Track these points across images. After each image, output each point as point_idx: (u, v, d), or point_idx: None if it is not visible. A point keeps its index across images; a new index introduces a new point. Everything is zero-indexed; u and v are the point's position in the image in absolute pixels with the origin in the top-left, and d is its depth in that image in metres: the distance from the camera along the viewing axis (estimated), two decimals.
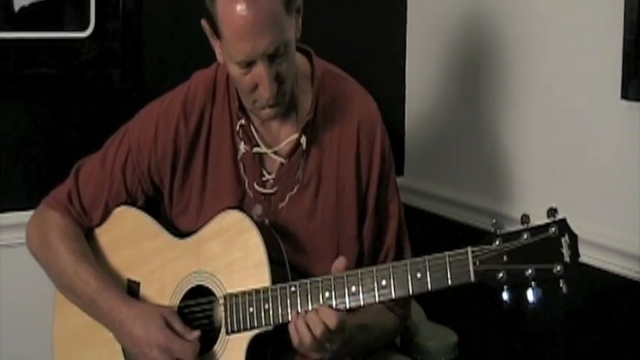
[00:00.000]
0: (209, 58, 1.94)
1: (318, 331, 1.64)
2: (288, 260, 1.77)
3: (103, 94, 2.51)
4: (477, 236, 2.55)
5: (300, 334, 1.66)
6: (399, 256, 1.92)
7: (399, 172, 2.30)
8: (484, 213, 2.58)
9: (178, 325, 1.80)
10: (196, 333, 1.78)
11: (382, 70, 2.88)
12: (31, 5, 2.37)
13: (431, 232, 2.70)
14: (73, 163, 2.00)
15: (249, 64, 1.71)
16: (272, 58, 1.71)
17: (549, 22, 2.38)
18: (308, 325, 1.65)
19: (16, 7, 2.36)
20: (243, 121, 1.86)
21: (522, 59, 2.47)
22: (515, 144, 2.51)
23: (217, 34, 1.73)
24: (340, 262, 1.69)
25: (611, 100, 2.17)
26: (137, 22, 2.49)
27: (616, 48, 2.14)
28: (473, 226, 2.62)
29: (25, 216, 2.04)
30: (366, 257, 1.90)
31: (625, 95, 2.13)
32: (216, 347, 1.78)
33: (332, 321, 1.64)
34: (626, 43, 2.12)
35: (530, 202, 2.45)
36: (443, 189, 2.78)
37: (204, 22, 1.77)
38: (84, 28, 2.43)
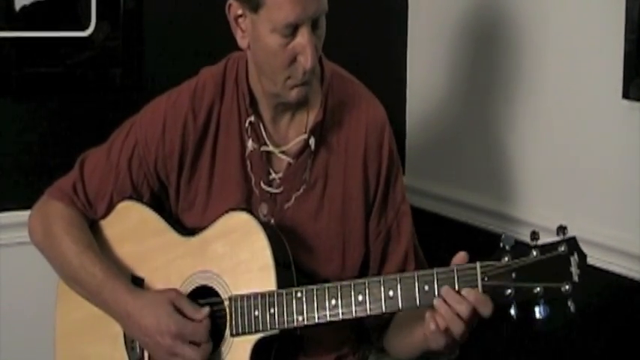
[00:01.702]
0: (210, 57, 1.95)
1: (463, 309, 1.57)
2: (294, 260, 1.77)
3: (104, 94, 2.51)
4: (478, 236, 2.57)
5: (442, 314, 1.59)
6: (417, 257, 1.92)
7: None
8: (486, 213, 2.58)
9: (187, 306, 1.79)
10: (205, 311, 1.77)
11: (383, 68, 2.88)
12: (32, 4, 2.37)
13: (432, 232, 2.69)
14: (74, 162, 1.99)
15: (293, 31, 1.70)
16: (315, 25, 1.72)
17: (550, 22, 2.38)
18: (448, 304, 1.59)
19: (17, 6, 2.35)
20: (252, 118, 1.85)
21: (523, 59, 2.47)
22: (517, 144, 2.51)
23: (256, 5, 1.70)
24: (461, 257, 1.63)
25: (612, 99, 2.16)
26: (138, 21, 2.49)
27: (617, 48, 2.14)
28: (474, 226, 2.62)
29: (25, 215, 2.03)
30: (372, 258, 1.90)
31: (626, 95, 2.13)
32: (222, 348, 1.78)
33: (488, 308, 1.58)
34: (627, 42, 2.12)
35: (531, 202, 2.45)
36: (444, 189, 2.78)
37: (231, 2, 1.76)
38: (85, 27, 2.43)
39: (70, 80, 2.46)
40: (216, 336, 1.79)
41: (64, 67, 2.43)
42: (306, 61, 1.71)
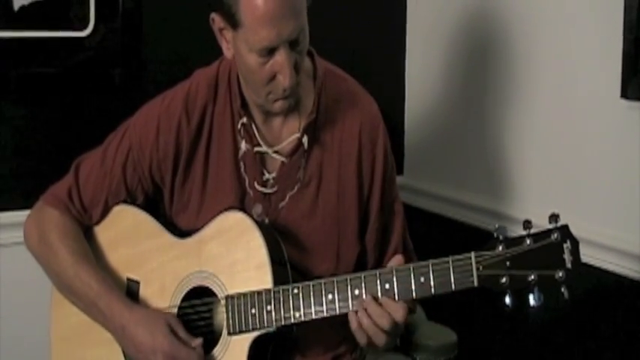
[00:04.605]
0: (209, 56, 1.95)
1: (385, 322, 1.65)
2: (288, 260, 1.77)
3: (103, 93, 2.51)
4: (476, 235, 2.58)
5: (364, 328, 1.67)
6: (407, 254, 1.90)
7: (399, 171, 2.32)
8: (484, 212, 2.58)
9: (182, 332, 1.80)
10: (199, 340, 1.78)
11: (382, 67, 2.89)
12: (31, 5, 2.37)
13: (430, 232, 2.70)
14: (73, 163, 1.99)
15: (270, 52, 1.70)
16: (293, 44, 1.71)
17: (549, 22, 2.38)
18: (371, 318, 1.65)
19: (16, 6, 2.36)
20: (244, 120, 1.85)
21: (522, 58, 2.47)
22: (515, 143, 2.51)
23: (235, 23, 1.71)
24: (397, 260, 1.70)
25: (610, 99, 2.17)
26: (137, 20, 2.50)
27: (616, 47, 2.14)
28: (472, 225, 2.62)
29: (24, 216, 2.02)
30: (370, 257, 1.90)
31: (625, 94, 2.13)
32: (218, 347, 1.78)
33: (399, 314, 1.65)
34: (625, 42, 2.12)
35: (530, 201, 2.45)
36: (442, 188, 2.78)
37: (214, 15, 1.76)
38: (84, 27, 2.43)
39: (69, 80, 2.46)
40: (213, 336, 1.80)
41: (63, 68, 2.44)
42: (285, 79, 1.72)
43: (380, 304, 1.65)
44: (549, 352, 2.43)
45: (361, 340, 1.71)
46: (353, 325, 1.68)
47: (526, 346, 2.49)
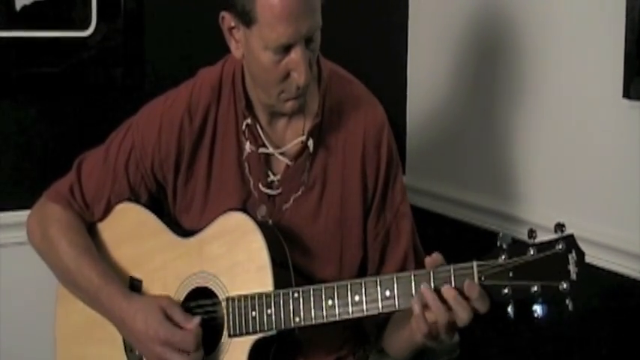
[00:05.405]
0: (210, 56, 1.95)
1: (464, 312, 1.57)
2: (292, 262, 1.76)
3: (105, 93, 2.51)
4: (479, 236, 2.57)
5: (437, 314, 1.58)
6: (417, 258, 1.89)
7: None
8: (486, 212, 2.58)
9: (178, 314, 1.79)
10: (196, 320, 1.76)
11: (383, 66, 2.88)
12: (33, 4, 2.37)
13: (432, 232, 2.69)
14: (74, 162, 1.99)
15: (286, 50, 1.69)
16: (307, 42, 1.70)
17: (551, 22, 2.38)
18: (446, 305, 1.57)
19: (18, 5, 2.35)
20: (249, 121, 1.85)
21: (524, 59, 2.47)
22: (517, 143, 2.51)
23: (249, 21, 1.69)
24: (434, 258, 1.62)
25: (612, 99, 2.16)
26: (138, 20, 2.50)
27: (618, 48, 2.14)
28: (475, 226, 2.62)
29: (25, 216, 2.03)
30: (370, 257, 1.89)
31: (627, 94, 2.13)
32: (219, 349, 1.78)
33: (485, 305, 1.56)
34: (627, 42, 2.12)
35: (531, 201, 2.45)
36: (445, 188, 2.78)
37: (224, 14, 1.75)
38: (85, 26, 2.43)
39: (71, 80, 2.46)
40: (214, 337, 1.79)
41: (65, 67, 2.43)
42: (300, 77, 1.71)
43: (461, 293, 1.56)
44: (550, 352, 2.42)
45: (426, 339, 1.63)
46: (421, 330, 1.60)
47: (527, 346, 2.48)
